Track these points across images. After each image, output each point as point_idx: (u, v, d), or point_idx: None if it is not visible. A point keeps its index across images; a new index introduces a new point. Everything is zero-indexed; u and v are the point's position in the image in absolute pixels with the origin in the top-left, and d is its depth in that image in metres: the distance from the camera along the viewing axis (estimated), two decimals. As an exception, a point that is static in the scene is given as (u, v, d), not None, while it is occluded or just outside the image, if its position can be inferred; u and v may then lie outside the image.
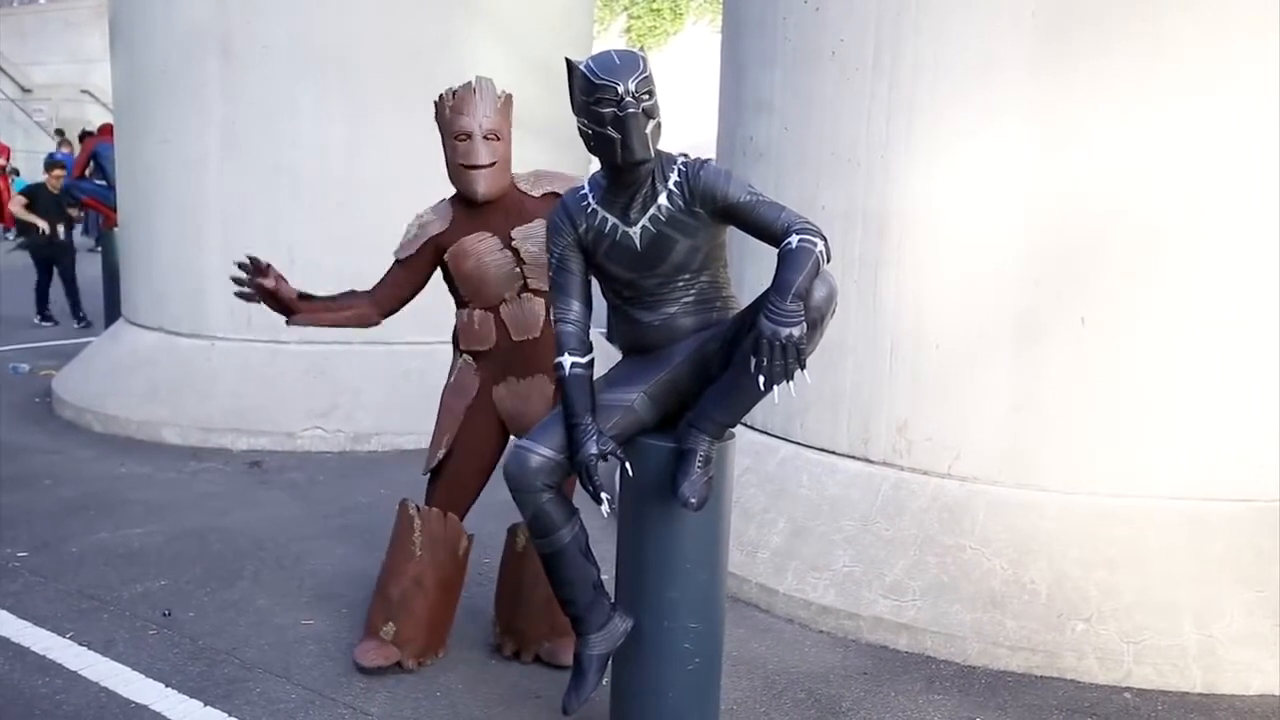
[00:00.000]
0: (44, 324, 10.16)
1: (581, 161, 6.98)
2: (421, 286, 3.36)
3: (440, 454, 3.33)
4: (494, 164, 3.20)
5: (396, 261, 3.31)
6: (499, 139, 3.21)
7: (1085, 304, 3.74)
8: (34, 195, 10.26)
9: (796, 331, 2.36)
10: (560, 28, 7.13)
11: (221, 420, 6.20)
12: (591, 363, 2.72)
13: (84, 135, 13.20)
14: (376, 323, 3.33)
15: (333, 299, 3.30)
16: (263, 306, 3.20)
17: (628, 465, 2.69)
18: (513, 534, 3.51)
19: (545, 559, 2.78)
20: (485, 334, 3.29)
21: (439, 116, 3.25)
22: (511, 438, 3.35)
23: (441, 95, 3.24)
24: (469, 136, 3.18)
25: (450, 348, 3.46)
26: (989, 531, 3.83)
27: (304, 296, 3.23)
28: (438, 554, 3.35)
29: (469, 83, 3.22)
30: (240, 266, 3.13)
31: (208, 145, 6.46)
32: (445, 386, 3.41)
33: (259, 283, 3.12)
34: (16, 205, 10.15)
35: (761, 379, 2.38)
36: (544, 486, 2.68)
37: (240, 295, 3.14)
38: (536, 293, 3.28)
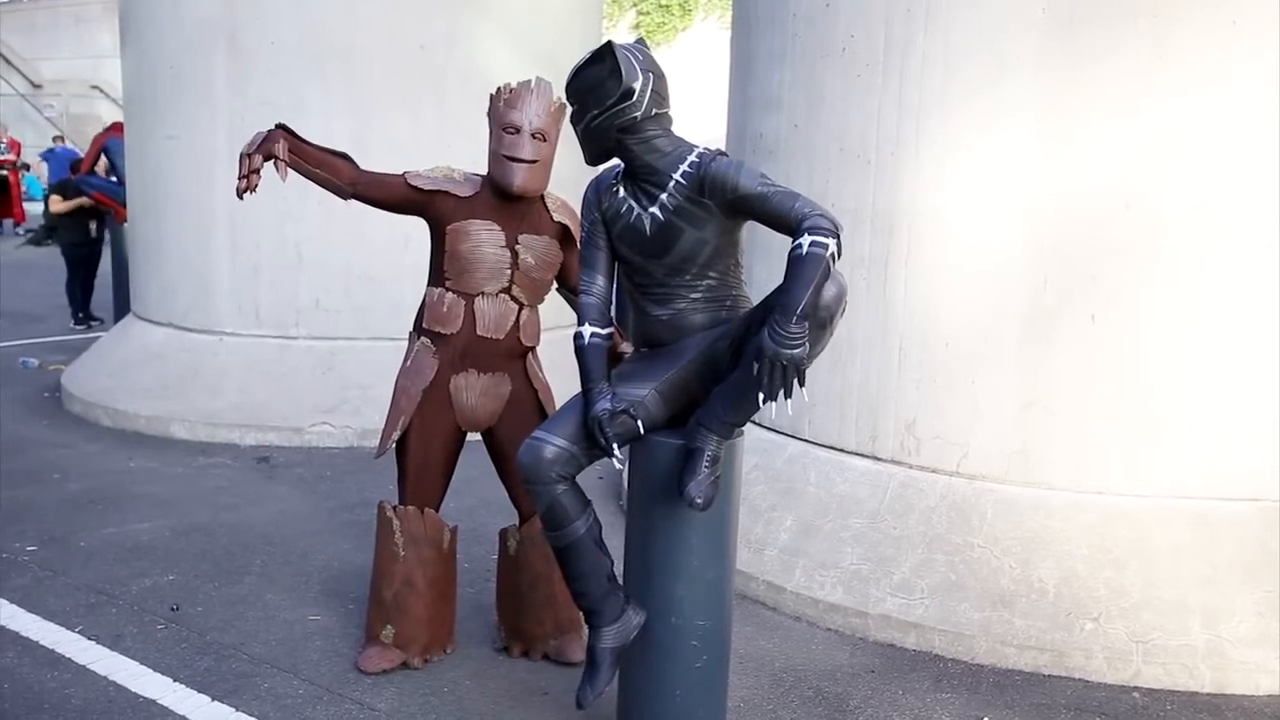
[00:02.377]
0: (80, 327, 9.74)
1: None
2: (396, 209, 3.28)
3: (396, 435, 3.31)
4: (536, 162, 3.20)
5: (405, 178, 3.26)
6: (545, 140, 3.21)
7: (1094, 302, 3.73)
8: (63, 191, 10.17)
9: (798, 353, 2.37)
10: (568, 24, 7.12)
11: (230, 415, 6.21)
12: (610, 335, 2.79)
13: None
14: (345, 196, 3.28)
15: (323, 150, 3.24)
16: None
17: (639, 423, 2.70)
18: (504, 538, 3.49)
19: (559, 551, 2.77)
20: (452, 318, 3.26)
21: (491, 108, 3.25)
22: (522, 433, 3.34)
23: (499, 88, 3.24)
24: (517, 130, 3.17)
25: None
26: (997, 530, 3.82)
27: (290, 134, 3.18)
28: (423, 552, 3.34)
29: (528, 80, 3.22)
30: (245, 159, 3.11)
31: (216, 141, 6.46)
32: (400, 370, 3.38)
33: (271, 158, 3.12)
34: (55, 203, 10.06)
35: (760, 395, 2.42)
36: (559, 478, 2.68)
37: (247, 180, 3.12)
38: (515, 299, 3.28)
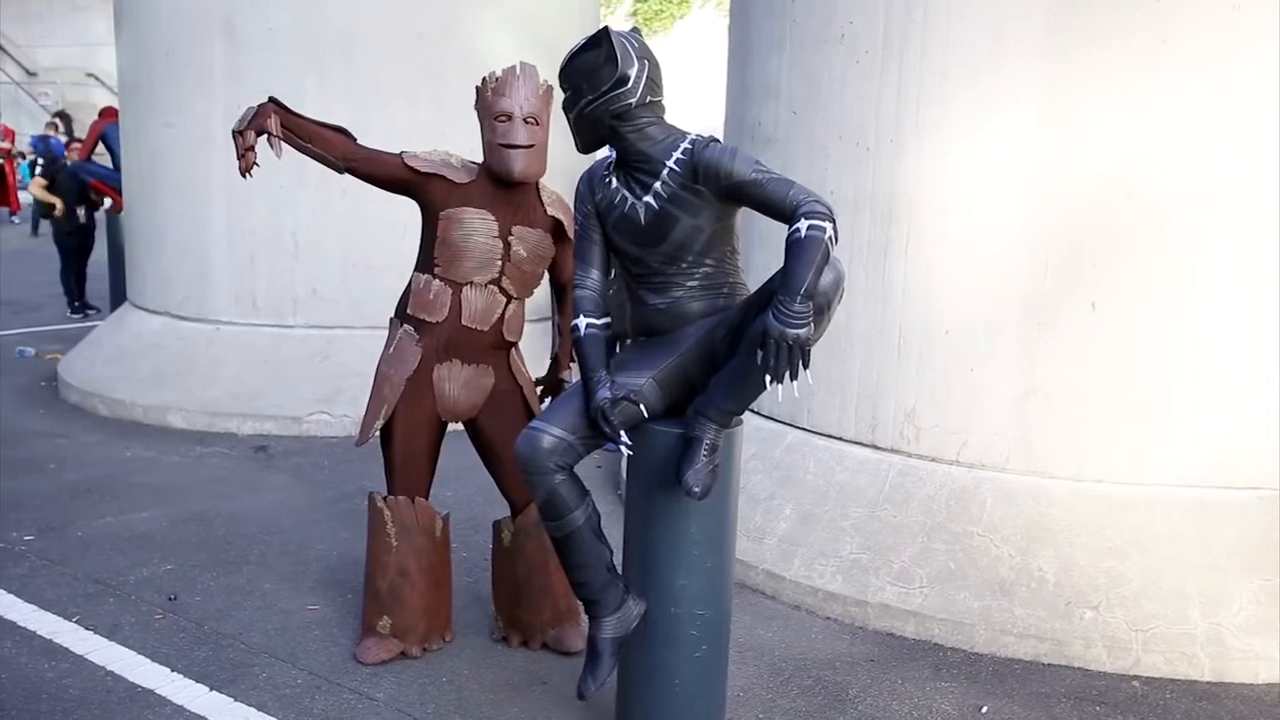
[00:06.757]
0: (76, 316, 9.75)
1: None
2: (390, 187, 3.23)
3: (378, 424, 3.29)
4: (532, 146, 3.17)
5: (402, 157, 3.21)
6: (538, 124, 3.18)
7: (1094, 290, 3.72)
8: (53, 176, 10.08)
9: (804, 333, 2.36)
10: (566, 12, 7.09)
11: (227, 405, 6.20)
12: (607, 325, 2.77)
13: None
14: (339, 170, 3.21)
15: (317, 124, 3.18)
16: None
17: (642, 408, 2.68)
18: (498, 530, 3.48)
19: (558, 542, 2.76)
20: (437, 306, 3.23)
21: (479, 99, 3.22)
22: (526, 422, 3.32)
23: (484, 78, 3.20)
24: (509, 117, 3.14)
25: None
26: (997, 519, 3.81)
27: (281, 108, 3.13)
28: (415, 541, 3.32)
29: (513, 66, 3.19)
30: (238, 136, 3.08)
31: (212, 129, 6.44)
32: (382, 356, 3.35)
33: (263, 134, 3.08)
34: (36, 186, 9.97)
35: (766, 376, 2.41)
36: (556, 467, 2.66)
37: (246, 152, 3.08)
38: (503, 291, 3.26)
